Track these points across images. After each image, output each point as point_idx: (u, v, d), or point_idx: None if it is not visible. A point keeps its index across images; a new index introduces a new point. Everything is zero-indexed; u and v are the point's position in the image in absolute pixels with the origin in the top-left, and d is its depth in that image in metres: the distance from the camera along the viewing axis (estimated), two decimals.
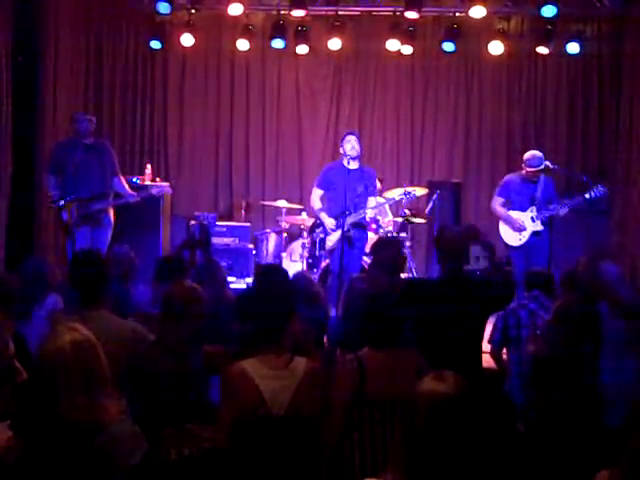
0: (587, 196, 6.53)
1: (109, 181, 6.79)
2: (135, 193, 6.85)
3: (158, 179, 8.42)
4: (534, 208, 6.67)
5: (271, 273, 4.58)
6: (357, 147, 6.61)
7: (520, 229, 6.70)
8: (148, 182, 8.15)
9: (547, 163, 6.67)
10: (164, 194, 7.68)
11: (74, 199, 6.59)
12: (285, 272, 4.72)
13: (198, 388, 3.48)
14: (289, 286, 4.41)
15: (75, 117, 6.92)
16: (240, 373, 3.05)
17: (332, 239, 6.71)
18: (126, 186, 6.95)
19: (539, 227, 6.66)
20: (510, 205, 6.84)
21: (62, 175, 6.64)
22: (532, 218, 6.68)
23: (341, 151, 6.69)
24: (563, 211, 6.55)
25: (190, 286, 3.61)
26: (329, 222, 6.68)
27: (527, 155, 6.80)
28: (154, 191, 7.08)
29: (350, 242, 6.45)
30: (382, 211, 7.84)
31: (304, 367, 3.11)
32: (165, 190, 7.40)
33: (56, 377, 2.41)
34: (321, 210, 6.80)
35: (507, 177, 7.02)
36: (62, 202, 6.58)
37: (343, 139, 6.74)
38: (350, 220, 6.44)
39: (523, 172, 6.77)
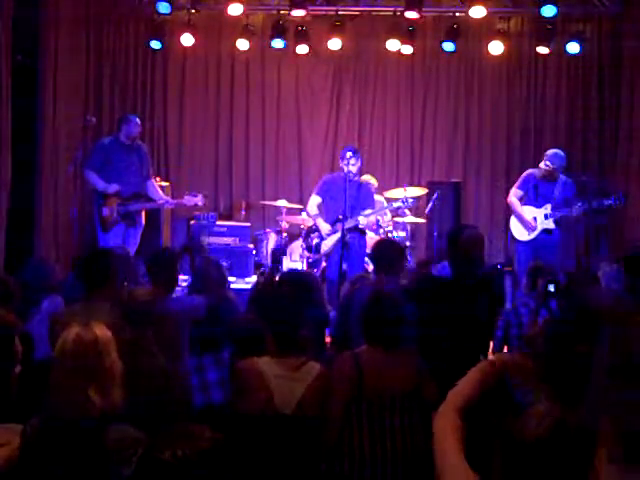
0: (607, 202, 6.49)
1: (144, 183, 6.85)
2: (169, 199, 6.83)
3: (158, 178, 8.42)
4: (549, 206, 6.65)
5: (299, 279, 4.54)
6: (358, 164, 6.62)
7: (531, 228, 6.68)
8: None
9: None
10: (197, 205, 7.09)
11: (116, 197, 6.65)
12: (314, 278, 4.74)
13: (182, 389, 3.48)
14: (311, 291, 4.38)
15: (126, 118, 6.96)
16: (253, 369, 3.09)
17: (327, 244, 6.76)
18: (159, 190, 6.96)
19: (551, 225, 6.64)
20: (526, 200, 6.82)
21: (103, 173, 6.70)
22: (546, 215, 6.66)
23: (340, 164, 6.62)
24: (577, 212, 6.53)
25: (145, 293, 3.65)
26: (324, 228, 6.72)
27: (549, 151, 6.78)
28: (187, 201, 6.87)
29: (347, 247, 6.46)
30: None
31: (316, 372, 3.15)
32: (197, 202, 6.89)
33: (67, 371, 2.43)
34: (317, 216, 6.83)
35: (528, 171, 6.99)
36: (101, 200, 6.66)
37: (343, 154, 6.60)
38: (347, 225, 6.45)
39: (543, 169, 6.75)
